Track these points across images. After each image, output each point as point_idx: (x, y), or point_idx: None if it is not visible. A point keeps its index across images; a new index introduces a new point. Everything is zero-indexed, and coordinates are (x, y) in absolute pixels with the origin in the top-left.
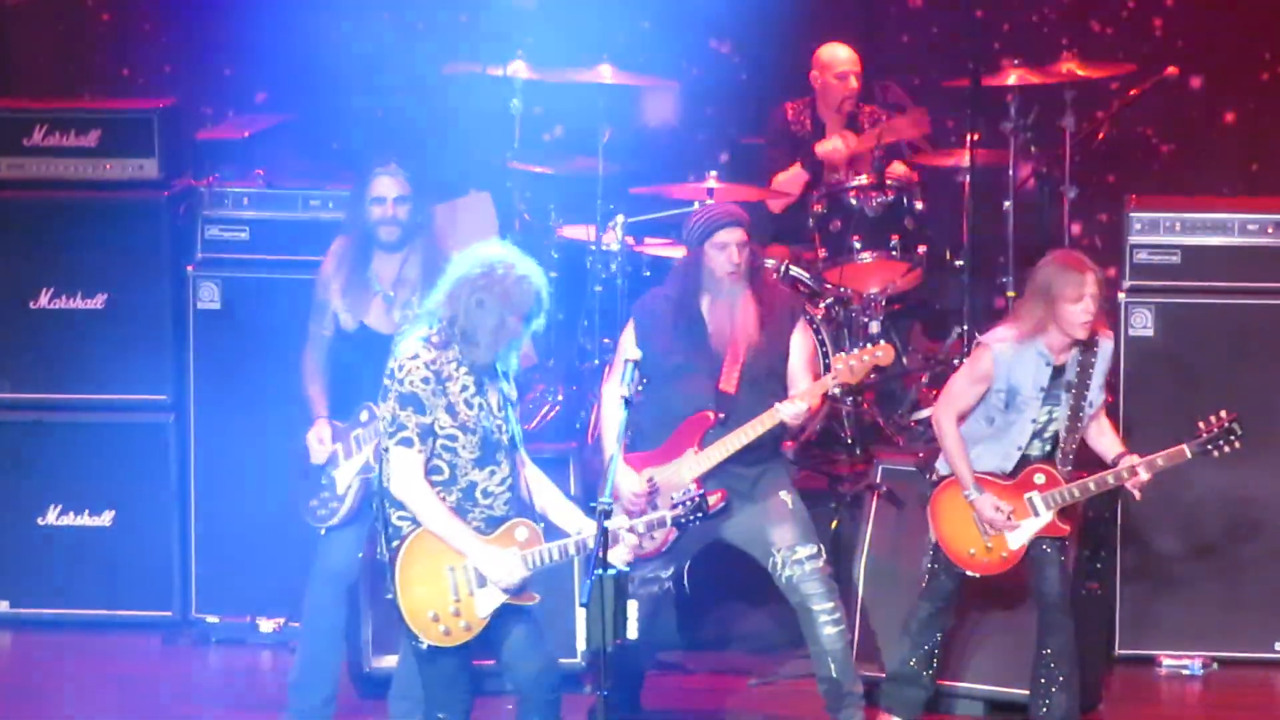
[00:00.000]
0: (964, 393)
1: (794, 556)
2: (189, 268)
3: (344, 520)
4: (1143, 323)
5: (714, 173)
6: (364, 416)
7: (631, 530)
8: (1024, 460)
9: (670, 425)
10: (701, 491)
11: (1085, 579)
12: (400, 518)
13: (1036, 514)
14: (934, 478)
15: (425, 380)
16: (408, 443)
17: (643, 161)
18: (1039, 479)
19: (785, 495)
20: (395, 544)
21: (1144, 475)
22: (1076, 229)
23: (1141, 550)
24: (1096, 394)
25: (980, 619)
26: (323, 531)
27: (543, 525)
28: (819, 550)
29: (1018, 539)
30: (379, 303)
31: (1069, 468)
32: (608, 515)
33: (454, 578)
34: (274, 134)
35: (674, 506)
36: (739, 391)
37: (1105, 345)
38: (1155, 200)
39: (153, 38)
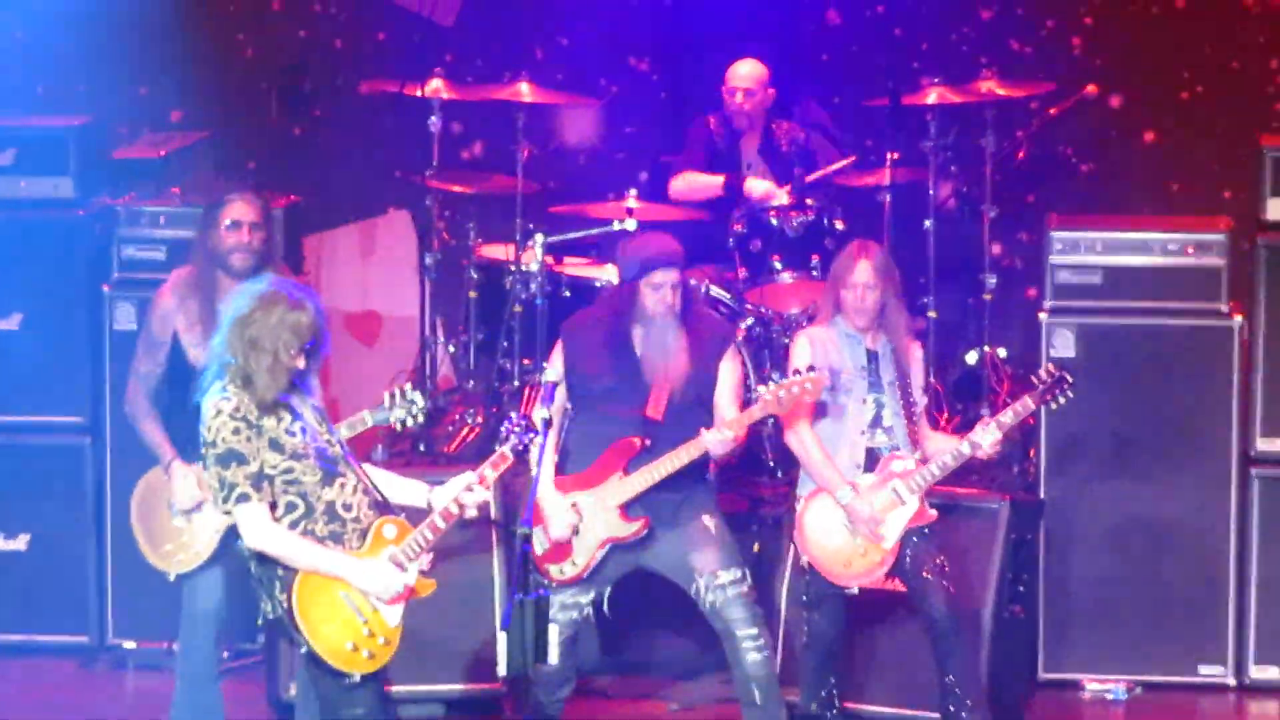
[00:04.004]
0: None
1: (717, 581)
2: (105, 287)
3: (200, 566)
4: (1064, 343)
5: (634, 191)
6: None
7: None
8: (872, 455)
9: (596, 448)
10: (526, 417)
11: (1008, 602)
12: (280, 571)
13: (903, 501)
14: (793, 502)
15: (236, 431)
16: (244, 498)
17: (562, 180)
18: (897, 466)
19: (709, 520)
20: (283, 596)
21: (996, 434)
22: (997, 249)
23: (1064, 573)
24: (919, 394)
25: (893, 641)
26: (172, 578)
27: (403, 514)
28: (743, 575)
29: (891, 533)
30: None
31: (917, 454)
32: (528, 541)
33: (352, 601)
34: (190, 152)
35: (503, 440)
36: (666, 419)
37: (916, 352)
38: (1076, 220)
39: (67, 56)
